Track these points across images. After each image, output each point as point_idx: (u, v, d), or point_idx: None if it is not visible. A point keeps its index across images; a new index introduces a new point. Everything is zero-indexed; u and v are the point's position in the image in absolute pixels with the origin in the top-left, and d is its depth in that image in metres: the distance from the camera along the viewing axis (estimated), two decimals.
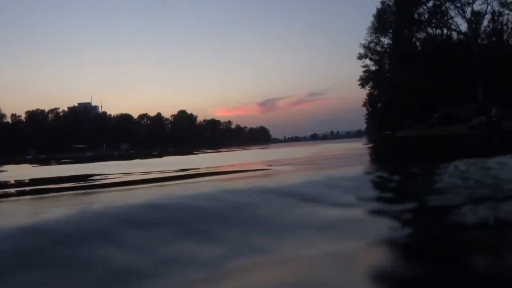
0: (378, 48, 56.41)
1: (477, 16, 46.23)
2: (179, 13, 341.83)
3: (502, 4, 42.66)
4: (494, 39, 48.41)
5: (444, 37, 48.97)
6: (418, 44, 50.53)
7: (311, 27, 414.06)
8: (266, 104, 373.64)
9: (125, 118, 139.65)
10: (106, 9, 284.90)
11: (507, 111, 28.75)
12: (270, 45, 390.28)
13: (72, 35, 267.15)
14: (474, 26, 45.65)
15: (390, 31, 51.25)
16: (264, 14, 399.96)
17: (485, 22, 47.25)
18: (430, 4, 47.55)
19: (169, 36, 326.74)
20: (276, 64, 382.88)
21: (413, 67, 46.79)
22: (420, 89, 46.45)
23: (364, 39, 56.75)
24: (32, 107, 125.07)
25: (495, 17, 46.74)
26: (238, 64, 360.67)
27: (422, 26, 48.96)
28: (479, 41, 46.82)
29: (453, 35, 49.58)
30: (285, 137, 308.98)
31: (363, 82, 59.19)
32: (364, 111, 77.53)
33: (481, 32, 47.52)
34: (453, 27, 47.84)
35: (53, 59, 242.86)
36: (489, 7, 44.48)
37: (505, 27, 47.45)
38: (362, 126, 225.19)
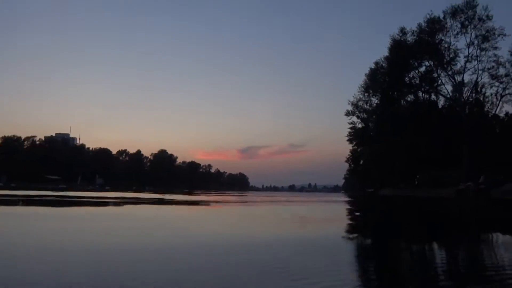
0: (367, 106, 57.45)
1: (462, 86, 47.73)
2: (165, 54, 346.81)
3: (493, 77, 44.07)
4: (475, 109, 49.84)
5: (432, 102, 50.14)
6: (407, 106, 51.51)
7: (297, 79, 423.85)
8: (246, 151, 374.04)
9: (103, 152, 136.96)
10: (93, 44, 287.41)
11: (494, 179, 28.83)
12: (255, 93, 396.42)
13: (58, 67, 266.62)
14: (463, 94, 46.96)
15: (380, 91, 52.34)
16: (252, 59, 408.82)
17: (468, 93, 48.75)
18: (422, 69, 49.03)
19: (154, 75, 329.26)
20: (259, 113, 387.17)
21: (401, 128, 47.44)
22: (406, 150, 46.87)
23: (353, 96, 58.00)
24: (8, 132, 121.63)
25: (478, 89, 48.25)
26: (222, 109, 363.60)
27: (412, 90, 50.15)
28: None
29: (440, 101, 50.88)
30: (263, 185, 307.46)
31: (352, 138, 59.62)
32: (342, 167, 78.29)
33: (465, 101, 48.90)
34: (442, 93, 49.10)
35: (34, 86, 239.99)
36: (479, 78, 45.82)
37: (486, 99, 49.14)
38: (340, 181, 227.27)
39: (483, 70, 45.05)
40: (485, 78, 46.01)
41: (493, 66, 44.37)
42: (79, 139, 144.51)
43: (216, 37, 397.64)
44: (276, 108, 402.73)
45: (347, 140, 61.72)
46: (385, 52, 52.05)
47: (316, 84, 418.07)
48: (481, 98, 48.90)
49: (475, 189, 28.46)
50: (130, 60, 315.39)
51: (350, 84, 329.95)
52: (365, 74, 54.79)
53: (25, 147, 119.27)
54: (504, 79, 44.63)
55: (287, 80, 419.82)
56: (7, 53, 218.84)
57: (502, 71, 44.55)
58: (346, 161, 77.91)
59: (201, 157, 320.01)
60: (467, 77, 47.45)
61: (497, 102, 46.63)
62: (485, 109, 49.44)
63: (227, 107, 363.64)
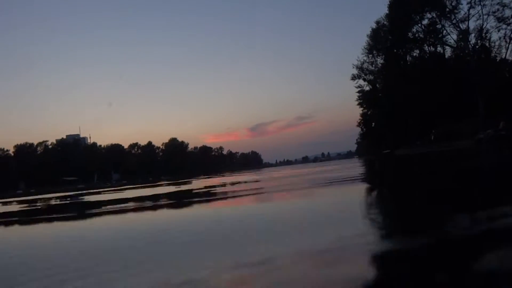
0: (372, 68, 56.57)
1: (467, 34, 46.51)
2: (167, 41, 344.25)
3: (499, 19, 42.79)
4: (483, 55, 48.70)
5: (439, 54, 49.08)
6: (413, 62, 50.52)
7: (297, 51, 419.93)
8: (256, 129, 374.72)
9: (115, 148, 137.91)
10: (93, 41, 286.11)
11: None
12: (257, 71, 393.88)
13: (58, 68, 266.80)
14: (470, 42, 45.84)
15: (384, 50, 51.37)
16: (250, 39, 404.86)
17: (473, 40, 47.54)
18: (425, 22, 47.84)
19: (156, 64, 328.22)
20: (264, 89, 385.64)
21: (410, 85, 46.63)
22: (417, 106, 46.16)
23: (357, 59, 57.06)
24: (20, 140, 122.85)
25: (483, 34, 47.02)
26: (226, 90, 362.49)
27: (417, 44, 49.10)
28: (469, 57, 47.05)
29: (446, 51, 49.79)
30: (276, 161, 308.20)
31: (361, 102, 58.98)
32: (353, 133, 77.92)
33: (472, 48, 47.78)
34: (448, 43, 47.98)
35: (40, 91, 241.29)
36: (485, 23, 44.62)
37: (492, 44, 47.99)
38: (352, 147, 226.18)
39: (488, 14, 43.82)
40: (491, 23, 44.79)
41: (498, 9, 43.07)
42: (90, 138, 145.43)
43: (219, 20, 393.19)
44: (280, 82, 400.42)
45: (357, 104, 61.11)
46: (382, 12, 50.92)
47: (317, 52, 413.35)
48: (487, 44, 47.81)
49: (496, 135, 27.90)
50: (131, 53, 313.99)
51: (353, 50, 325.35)
52: (367, 35, 53.82)
53: (39, 152, 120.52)
54: (511, 20, 43.35)
55: (287, 52, 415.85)
56: (4, 60, 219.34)
57: (508, 12, 43.27)
58: (357, 126, 77.08)
59: (212, 141, 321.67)
60: (472, 24, 46.27)
61: (507, 45, 45.40)
62: (492, 55, 48.42)
63: (231, 87, 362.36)
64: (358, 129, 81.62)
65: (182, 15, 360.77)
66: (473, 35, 46.11)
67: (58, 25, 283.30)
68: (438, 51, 50.06)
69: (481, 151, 21.02)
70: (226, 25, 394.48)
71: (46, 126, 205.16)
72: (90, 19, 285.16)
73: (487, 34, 46.70)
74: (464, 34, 46.07)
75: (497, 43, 47.11)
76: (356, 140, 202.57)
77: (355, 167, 21.17)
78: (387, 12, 49.82)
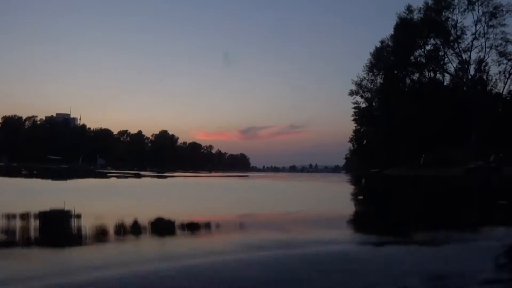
0: (371, 86, 57.00)
1: (467, 64, 47.04)
2: (167, 34, 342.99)
3: (501, 54, 43.39)
4: (479, 87, 49.29)
5: (438, 80, 49.57)
6: (412, 85, 50.95)
7: (297, 58, 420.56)
8: (247, 132, 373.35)
9: (104, 133, 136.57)
10: (93, 24, 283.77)
11: (505, 157, 28.48)
12: (256, 72, 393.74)
13: (56, 44, 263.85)
14: (469, 72, 46.39)
15: (385, 70, 51.76)
16: (252, 40, 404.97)
17: (472, 71, 48.11)
18: (428, 47, 48.36)
19: (154, 55, 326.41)
20: (260, 94, 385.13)
21: (406, 107, 46.92)
22: (411, 129, 46.45)
23: (357, 76, 57.48)
24: (9, 112, 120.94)
25: (481, 67, 47.62)
26: (222, 89, 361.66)
27: (418, 69, 49.59)
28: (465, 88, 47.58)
29: (445, 78, 50.31)
30: (264, 166, 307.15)
31: (357, 118, 59.28)
32: (343, 148, 78.31)
33: (471, 79, 48.31)
34: (448, 71, 48.52)
35: (34, 65, 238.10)
36: (487, 56, 45.20)
37: (490, 77, 48.64)
38: (340, 161, 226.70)
39: (491, 48, 44.59)
40: (492, 56, 45.49)
41: (501, 44, 43.77)
42: (80, 119, 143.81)
43: (215, 17, 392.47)
44: (277, 88, 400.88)
45: (353, 120, 61.45)
46: (388, 32, 51.56)
47: (318, 64, 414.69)
48: (485, 77, 48.41)
49: (487, 167, 28.12)
50: (130, 40, 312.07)
51: (351, 66, 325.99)
52: (370, 53, 54.26)
53: (26, 127, 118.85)
54: None
55: (288, 60, 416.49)
56: (7, 33, 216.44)
57: (510, 48, 44.03)
58: (349, 141, 77.46)
59: (202, 138, 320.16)
60: (474, 55, 47.04)
61: (505, 80, 46.08)
62: (488, 88, 49.08)
63: (227, 86, 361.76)
64: (348, 145, 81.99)
65: (185, 9, 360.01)
66: (473, 66, 46.73)
67: (61, 3, 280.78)
68: (438, 77, 50.58)
69: (470, 181, 21.09)
70: (229, 23, 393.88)
71: (37, 102, 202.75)
72: (93, 0, 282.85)
73: (485, 67, 47.42)
74: (464, 64, 46.66)
75: (494, 77, 47.80)
76: (345, 155, 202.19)
77: (344, 190, 20.72)
78: (392, 33, 50.32)
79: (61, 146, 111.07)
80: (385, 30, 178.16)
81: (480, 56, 46.04)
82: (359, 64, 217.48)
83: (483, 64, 46.82)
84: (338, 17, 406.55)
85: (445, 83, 50.19)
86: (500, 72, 46.41)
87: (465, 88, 46.54)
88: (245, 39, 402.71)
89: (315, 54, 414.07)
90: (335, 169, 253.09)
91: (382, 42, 52.61)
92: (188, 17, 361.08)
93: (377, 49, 52.90)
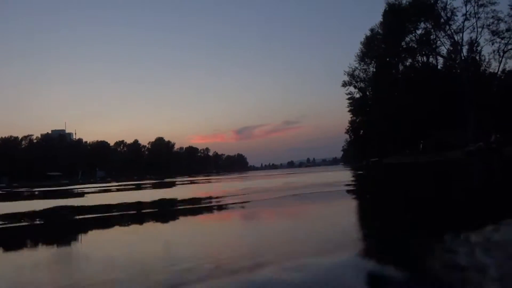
0: (363, 75, 57.02)
1: (459, 45, 46.95)
2: (157, 42, 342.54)
3: (493, 33, 43.32)
4: (472, 68, 49.44)
5: (431, 65, 49.62)
6: (405, 71, 50.99)
7: (286, 55, 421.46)
8: (242, 132, 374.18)
9: (101, 145, 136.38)
10: (82, 36, 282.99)
11: (505, 138, 28.58)
12: (246, 72, 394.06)
13: (45, 62, 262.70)
14: (462, 54, 46.37)
15: (377, 58, 51.76)
16: (240, 42, 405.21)
17: (465, 52, 48.00)
18: (419, 32, 48.18)
19: (145, 63, 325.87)
20: (251, 93, 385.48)
21: (400, 93, 47.10)
22: (408, 115, 46.59)
23: (349, 66, 57.49)
24: (4, 134, 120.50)
25: (474, 48, 47.62)
26: (214, 92, 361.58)
27: (410, 54, 49.52)
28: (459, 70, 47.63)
29: (439, 62, 50.27)
30: (262, 164, 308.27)
31: (353, 109, 59.33)
32: (339, 139, 78.44)
33: (464, 60, 48.26)
34: (441, 54, 48.49)
35: (25, 85, 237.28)
36: (479, 36, 45.12)
37: (482, 57, 48.71)
38: (338, 153, 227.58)
39: (483, 27, 44.30)
40: (485, 35, 45.32)
41: (492, 22, 43.56)
42: (75, 134, 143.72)
43: (206, 22, 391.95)
44: (268, 86, 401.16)
45: (348, 111, 61.46)
46: (377, 20, 51.29)
47: (307, 59, 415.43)
48: (477, 57, 48.41)
49: (487, 148, 28.21)
50: (120, 52, 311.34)
51: (342, 57, 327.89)
52: (361, 42, 54.20)
53: (23, 146, 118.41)
54: (505, 34, 43.67)
55: (277, 58, 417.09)
56: None
57: (502, 26, 43.70)
58: (346, 133, 77.57)
59: (198, 141, 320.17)
60: (466, 36, 46.74)
61: (500, 59, 45.96)
62: (482, 68, 49.06)
63: (218, 89, 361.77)
64: (345, 136, 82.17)
65: (174, 16, 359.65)
66: (465, 47, 46.69)
67: (50, 19, 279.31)
68: (431, 61, 50.61)
69: (470, 164, 21.15)
70: (216, 27, 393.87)
71: (31, 120, 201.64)
72: (82, 15, 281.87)
73: (477, 47, 47.37)
74: (456, 46, 46.62)
75: (488, 57, 47.77)
76: (342, 147, 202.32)
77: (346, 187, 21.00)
78: (382, 20, 50.22)
79: (59, 163, 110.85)
80: (374, 18, 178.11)
81: (472, 37, 45.91)
82: (349, 56, 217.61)
83: (475, 44, 46.75)
84: (325, 11, 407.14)
85: (438, 67, 50.12)
86: (494, 51, 46.05)
87: (459, 71, 46.51)
88: (233, 40, 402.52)
89: (303, 49, 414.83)
90: (333, 162, 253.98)
91: (372, 30, 52.52)
92: (178, 22, 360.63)
93: (367, 38, 52.88)
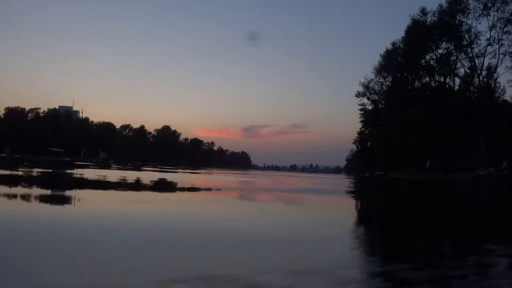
0: (378, 88, 56.55)
1: (479, 70, 46.27)
2: (173, 30, 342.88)
3: None
4: (487, 94, 48.77)
5: (448, 85, 49.02)
6: (422, 88, 50.37)
7: (304, 58, 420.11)
8: (249, 130, 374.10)
9: (107, 127, 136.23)
10: (97, 16, 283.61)
11: None
12: (260, 72, 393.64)
13: (61, 38, 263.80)
14: (480, 78, 45.72)
15: (394, 72, 51.22)
16: (259, 39, 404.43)
17: (484, 77, 47.34)
18: (440, 51, 47.67)
19: (159, 50, 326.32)
20: (263, 92, 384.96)
21: (414, 110, 46.47)
22: (418, 133, 45.97)
23: (365, 78, 57.10)
24: (12, 104, 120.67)
25: (492, 74, 47.07)
26: (225, 87, 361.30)
27: (429, 72, 48.96)
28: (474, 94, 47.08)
29: (456, 83, 49.72)
30: (264, 164, 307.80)
31: (364, 120, 58.87)
32: (344, 149, 78.41)
33: (483, 84, 47.64)
34: (459, 76, 47.90)
35: (38, 58, 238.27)
36: (500, 62, 44.51)
37: (498, 85, 48.22)
38: (341, 163, 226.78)
39: (505, 54, 43.75)
40: (506, 62, 44.72)
41: None
42: (82, 112, 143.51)
43: (222, 13, 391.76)
44: (280, 88, 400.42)
45: (360, 122, 61.03)
46: (395, 34, 50.91)
47: (321, 65, 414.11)
48: (493, 84, 47.89)
49: (498, 174, 27.54)
50: (135, 34, 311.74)
51: (357, 69, 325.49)
52: (380, 55, 53.74)
53: (29, 118, 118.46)
54: None
55: (293, 60, 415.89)
56: (11, 24, 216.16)
57: None
58: (353, 143, 77.12)
59: (204, 134, 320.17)
60: (487, 61, 46.28)
61: (501, 89, 45.46)
62: (496, 95, 48.60)
63: (231, 84, 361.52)
64: (350, 146, 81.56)
65: (194, 2, 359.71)
66: (485, 71, 46.12)
67: None
68: (447, 82, 50.01)
69: (480, 188, 20.63)
70: (237, 19, 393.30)
71: (39, 94, 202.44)
72: None
73: (494, 74, 46.85)
74: (475, 70, 46.06)
75: (503, 84, 47.36)
76: (347, 156, 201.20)
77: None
78: (404, 35, 49.74)
79: (63, 139, 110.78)
80: (396, 33, 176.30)
81: (492, 62, 45.40)
82: (365, 67, 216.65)
83: (494, 70, 46.27)
84: (347, 18, 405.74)
85: (455, 89, 49.55)
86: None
87: (476, 95, 45.91)
88: (247, 33, 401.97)
89: (322, 55, 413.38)
90: (336, 170, 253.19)
91: (393, 44, 52.14)
92: (192, 12, 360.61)
93: (387, 51, 52.39)
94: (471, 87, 47.94)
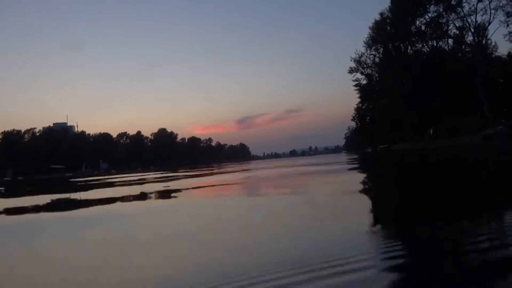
0: (370, 61, 56.05)
1: (471, 28, 45.64)
2: (158, 31, 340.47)
3: (508, 14, 41.94)
4: (483, 52, 48.30)
5: (441, 48, 48.50)
6: (415, 55, 49.80)
7: (288, 43, 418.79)
8: (243, 122, 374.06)
9: (103, 137, 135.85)
10: (86, 27, 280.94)
11: None
12: (247, 62, 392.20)
13: (46, 55, 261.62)
14: (474, 37, 45.18)
15: (385, 42, 50.62)
16: (240, 31, 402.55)
17: (476, 36, 46.70)
18: (429, 15, 46.92)
19: (146, 56, 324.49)
20: (253, 82, 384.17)
21: (410, 78, 46.06)
22: (417, 101, 45.62)
23: (355, 52, 56.55)
24: (7, 127, 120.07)
25: (480, 31, 46.47)
26: (215, 82, 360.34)
27: (420, 38, 48.36)
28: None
29: (449, 46, 49.13)
30: (264, 153, 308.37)
31: (361, 95, 58.46)
32: (341, 127, 77.68)
33: (478, 43, 47.03)
34: (452, 37, 47.34)
35: (27, 79, 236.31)
36: (492, 18, 43.79)
37: (489, 41, 47.76)
38: (340, 141, 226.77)
39: (496, 9, 42.89)
40: (499, 17, 43.85)
41: (507, 4, 42.08)
42: (77, 126, 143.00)
43: (207, 11, 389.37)
44: (269, 75, 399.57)
45: (358, 97, 60.57)
46: (383, 5, 50.09)
47: (308, 47, 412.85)
48: (484, 41, 47.38)
49: (507, 132, 27.21)
50: (123, 44, 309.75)
51: (346, 45, 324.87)
52: (369, 27, 53.10)
53: (26, 139, 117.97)
54: None
55: (278, 46, 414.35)
56: None
57: None
58: (352, 120, 76.66)
59: (200, 132, 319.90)
60: (479, 18, 45.53)
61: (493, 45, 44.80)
62: (488, 51, 48.09)
63: (220, 79, 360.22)
64: (347, 124, 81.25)
65: (174, 9, 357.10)
66: (476, 30, 45.48)
67: (51, 8, 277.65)
68: (440, 45, 49.45)
69: (495, 147, 20.17)
70: (216, 17, 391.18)
71: (33, 114, 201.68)
72: (85, 3, 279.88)
73: (484, 31, 46.22)
74: (468, 28, 45.45)
75: (493, 41, 46.89)
76: (345, 134, 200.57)
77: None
78: (390, 4, 49.08)
79: (62, 155, 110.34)
80: (383, 3, 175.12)
81: (485, 19, 44.62)
82: (353, 44, 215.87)
83: (487, 27, 45.58)
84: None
85: (449, 51, 48.91)
86: (510, 33, 44.28)
87: (471, 54, 45.35)
88: (233, 30, 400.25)
89: (307, 36, 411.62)
90: (336, 150, 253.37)
91: (381, 14, 51.23)
92: (179, 13, 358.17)
93: (376, 22, 51.60)
94: (465, 47, 47.41)
